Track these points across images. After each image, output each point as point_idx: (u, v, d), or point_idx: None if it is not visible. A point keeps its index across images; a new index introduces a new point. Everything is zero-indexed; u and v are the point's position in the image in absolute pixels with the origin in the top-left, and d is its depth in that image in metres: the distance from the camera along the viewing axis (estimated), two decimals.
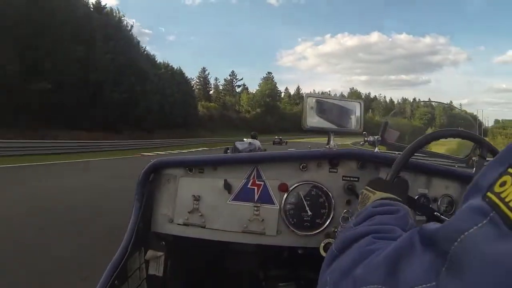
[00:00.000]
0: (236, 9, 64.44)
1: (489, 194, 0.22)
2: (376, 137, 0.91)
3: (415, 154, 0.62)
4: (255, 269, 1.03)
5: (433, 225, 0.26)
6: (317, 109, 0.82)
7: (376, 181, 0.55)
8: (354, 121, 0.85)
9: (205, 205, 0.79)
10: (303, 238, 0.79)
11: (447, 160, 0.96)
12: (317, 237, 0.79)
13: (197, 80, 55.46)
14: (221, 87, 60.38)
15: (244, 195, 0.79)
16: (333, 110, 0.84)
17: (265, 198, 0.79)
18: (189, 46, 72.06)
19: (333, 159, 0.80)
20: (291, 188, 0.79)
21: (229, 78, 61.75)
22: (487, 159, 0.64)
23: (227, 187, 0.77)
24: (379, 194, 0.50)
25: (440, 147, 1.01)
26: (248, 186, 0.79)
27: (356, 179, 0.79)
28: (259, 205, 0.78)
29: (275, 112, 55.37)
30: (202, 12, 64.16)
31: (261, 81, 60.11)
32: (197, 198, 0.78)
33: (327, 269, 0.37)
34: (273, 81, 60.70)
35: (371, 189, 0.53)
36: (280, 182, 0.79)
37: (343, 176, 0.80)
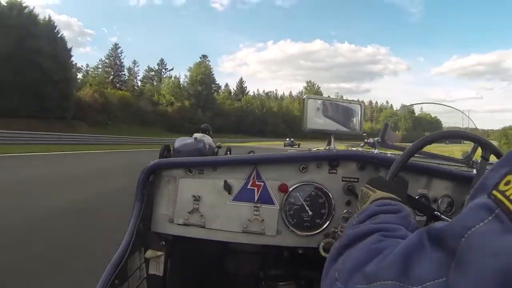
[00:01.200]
0: (180, 12, 65.04)
1: (494, 192, 0.23)
2: (376, 139, 0.92)
3: (415, 155, 0.61)
4: (255, 269, 1.03)
5: (440, 224, 0.27)
6: (323, 110, 0.83)
7: (376, 180, 0.55)
8: (357, 123, 0.85)
9: (205, 205, 0.79)
10: (303, 238, 0.79)
11: (447, 161, 0.95)
12: (317, 237, 0.79)
13: (106, 61, 38.94)
14: (141, 74, 42.39)
15: (244, 195, 0.79)
16: (338, 111, 0.85)
17: (265, 199, 0.79)
18: (130, 48, 70.75)
19: (333, 160, 0.80)
20: (291, 189, 0.79)
21: (156, 67, 42.61)
22: (489, 161, 0.65)
23: (227, 187, 0.78)
24: (379, 193, 0.50)
25: (440, 148, 1.03)
26: (248, 186, 0.79)
27: (356, 180, 0.80)
28: (259, 205, 0.79)
29: (209, 107, 39.41)
30: (145, 14, 64.50)
31: (192, 66, 42.35)
32: (197, 199, 0.79)
33: (333, 265, 0.38)
34: (209, 66, 43.87)
35: (371, 187, 0.53)
36: (280, 182, 0.79)
37: (342, 177, 0.80)
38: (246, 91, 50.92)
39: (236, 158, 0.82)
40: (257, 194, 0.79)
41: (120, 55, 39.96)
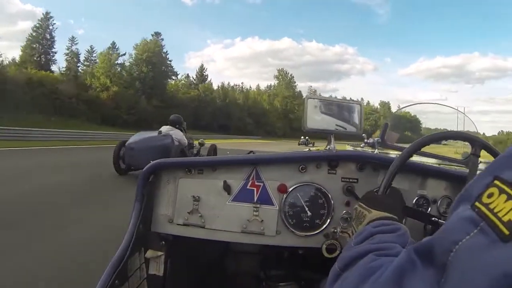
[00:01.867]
0: (149, 6, 61.99)
1: (477, 204, 0.23)
2: (376, 139, 0.92)
3: (415, 154, 0.62)
4: (255, 269, 1.03)
5: (427, 239, 0.27)
6: (322, 109, 0.83)
7: (369, 197, 0.55)
8: (356, 122, 0.85)
9: (205, 205, 0.79)
10: (302, 238, 0.79)
11: (446, 162, 0.95)
12: (316, 237, 0.79)
13: (33, 34, 27.18)
14: (83, 56, 29.86)
15: (243, 196, 0.79)
16: (337, 111, 0.84)
17: (265, 199, 0.79)
18: (98, 41, 67.09)
19: (332, 161, 0.80)
20: (290, 189, 0.79)
21: (107, 50, 29.67)
22: (482, 161, 0.65)
23: (227, 188, 0.78)
24: (375, 213, 0.50)
25: (440, 148, 1.03)
26: (248, 187, 0.79)
27: (355, 180, 0.80)
28: (258, 205, 0.79)
29: (157, 94, 30.85)
30: (114, 8, 60.27)
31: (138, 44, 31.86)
32: (196, 199, 0.79)
33: (332, 286, 0.38)
34: (161, 44, 33.37)
35: (366, 207, 0.52)
36: (280, 183, 0.79)
37: (342, 178, 0.80)
38: (208, 80, 41.61)
39: (235, 158, 0.82)
40: (256, 194, 0.79)
41: (51, 27, 27.77)
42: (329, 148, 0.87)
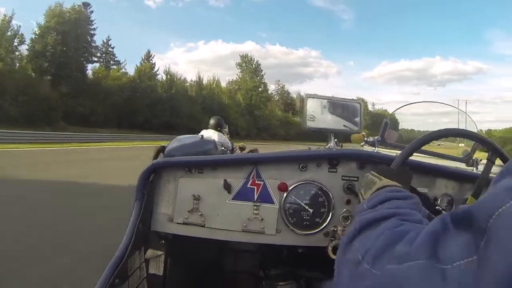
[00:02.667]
0: (112, 8, 57.52)
1: None
2: (376, 137, 0.92)
3: (414, 154, 0.62)
4: (255, 268, 1.04)
5: (464, 206, 0.27)
6: (322, 108, 0.82)
7: (382, 168, 0.56)
8: (356, 121, 0.84)
9: (205, 204, 0.79)
10: (302, 237, 0.79)
11: (447, 160, 0.96)
12: (316, 236, 0.79)
13: None
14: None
15: (243, 194, 0.79)
16: (337, 110, 0.83)
17: (265, 198, 0.79)
18: None
19: (333, 159, 0.80)
20: (290, 188, 0.78)
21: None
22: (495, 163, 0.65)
23: (227, 186, 0.77)
24: (386, 181, 0.51)
25: (440, 148, 1.06)
26: (248, 185, 0.79)
27: (356, 178, 0.79)
28: (258, 204, 0.78)
29: (70, 76, 22.06)
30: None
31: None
32: (196, 198, 0.78)
33: (349, 247, 0.39)
34: (86, 15, 25.23)
35: (377, 175, 0.54)
36: (280, 181, 0.79)
37: (342, 176, 0.80)
38: (155, 70, 30.84)
39: (235, 157, 0.83)
40: (256, 193, 0.79)
41: None
42: (329, 147, 0.87)
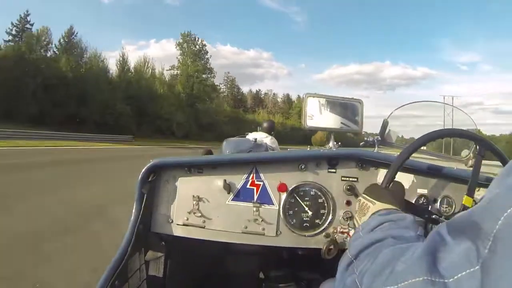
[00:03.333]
0: (63, 2, 53.74)
1: None
2: (376, 137, 0.92)
3: (414, 155, 0.62)
4: (255, 270, 1.03)
5: (463, 213, 0.26)
6: (323, 107, 0.81)
7: (372, 189, 0.56)
8: (358, 120, 0.84)
9: (205, 205, 0.78)
10: (302, 238, 0.79)
11: (446, 161, 0.97)
12: (316, 237, 0.78)
13: None
14: None
15: (243, 195, 0.78)
16: (338, 109, 0.83)
17: (265, 199, 0.79)
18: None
19: (332, 160, 0.80)
20: (290, 189, 0.78)
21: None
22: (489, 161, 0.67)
23: (227, 187, 0.77)
24: (379, 205, 0.51)
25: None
26: (247, 186, 0.78)
27: (355, 179, 0.79)
28: (258, 205, 0.78)
29: None
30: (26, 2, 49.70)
31: None
32: (196, 198, 0.78)
33: (346, 273, 0.38)
34: None
35: (369, 199, 0.53)
36: (279, 182, 0.78)
37: (342, 177, 0.80)
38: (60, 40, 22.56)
39: (235, 157, 0.82)
40: (256, 193, 0.78)
41: None
42: (329, 147, 0.87)
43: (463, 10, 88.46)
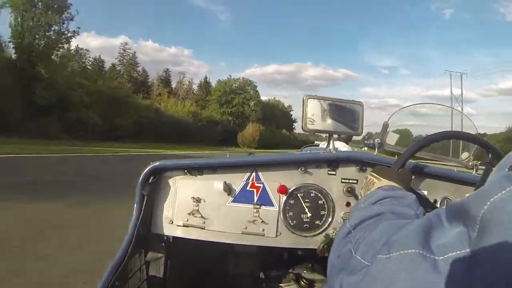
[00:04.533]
0: None
1: None
2: (376, 140, 0.93)
3: (414, 156, 0.63)
4: (256, 270, 1.04)
5: (457, 201, 0.27)
6: (322, 110, 0.82)
7: (381, 169, 0.57)
8: (358, 123, 0.84)
9: (205, 206, 0.79)
10: (302, 239, 0.80)
11: (447, 163, 0.97)
12: (316, 238, 0.79)
13: None
14: None
15: (243, 197, 0.79)
16: (337, 111, 0.83)
17: (265, 200, 0.79)
18: None
19: (332, 162, 0.81)
20: (290, 190, 0.79)
21: None
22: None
23: (227, 189, 0.78)
24: (384, 182, 0.52)
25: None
26: (247, 188, 0.79)
27: (355, 181, 0.80)
28: (258, 206, 0.79)
29: None
30: None
31: None
32: (196, 200, 0.79)
33: (344, 242, 0.39)
34: None
35: (376, 176, 0.54)
36: (279, 184, 0.79)
37: (342, 179, 0.80)
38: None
39: (235, 160, 0.82)
40: (256, 195, 0.79)
41: None
42: (329, 150, 0.87)
43: (385, 17, 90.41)
